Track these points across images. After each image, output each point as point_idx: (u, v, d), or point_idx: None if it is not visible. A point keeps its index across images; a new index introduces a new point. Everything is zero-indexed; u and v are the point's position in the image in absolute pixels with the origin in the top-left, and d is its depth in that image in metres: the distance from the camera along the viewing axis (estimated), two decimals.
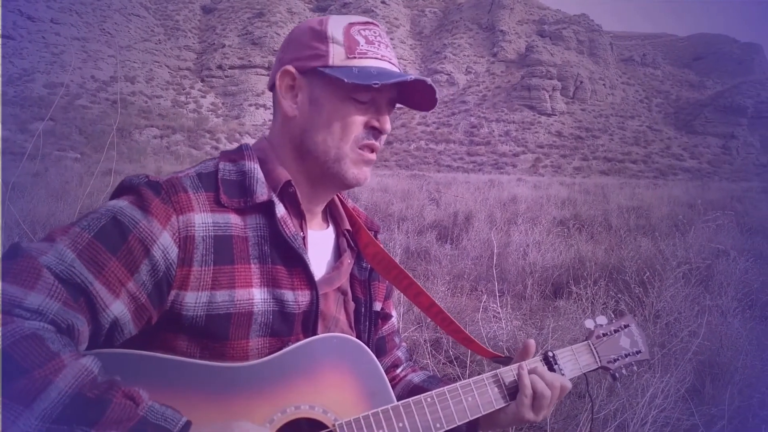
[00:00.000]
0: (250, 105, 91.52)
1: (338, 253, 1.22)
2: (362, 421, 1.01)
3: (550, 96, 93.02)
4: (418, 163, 76.30)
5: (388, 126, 1.13)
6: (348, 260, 1.21)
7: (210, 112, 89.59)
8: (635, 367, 1.45)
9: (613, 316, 1.47)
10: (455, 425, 1.10)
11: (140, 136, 63.41)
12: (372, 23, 1.14)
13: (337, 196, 1.28)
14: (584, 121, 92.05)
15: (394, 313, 1.40)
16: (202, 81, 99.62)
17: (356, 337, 1.19)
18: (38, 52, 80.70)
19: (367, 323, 1.24)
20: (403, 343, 1.44)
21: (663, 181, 48.62)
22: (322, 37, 1.09)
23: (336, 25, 1.10)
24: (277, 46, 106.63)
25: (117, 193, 1.01)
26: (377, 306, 1.29)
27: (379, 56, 1.10)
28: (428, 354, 3.50)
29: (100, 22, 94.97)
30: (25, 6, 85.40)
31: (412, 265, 7.76)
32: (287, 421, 0.98)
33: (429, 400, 1.10)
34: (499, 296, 6.26)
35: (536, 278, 6.48)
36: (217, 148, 67.61)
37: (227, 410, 0.92)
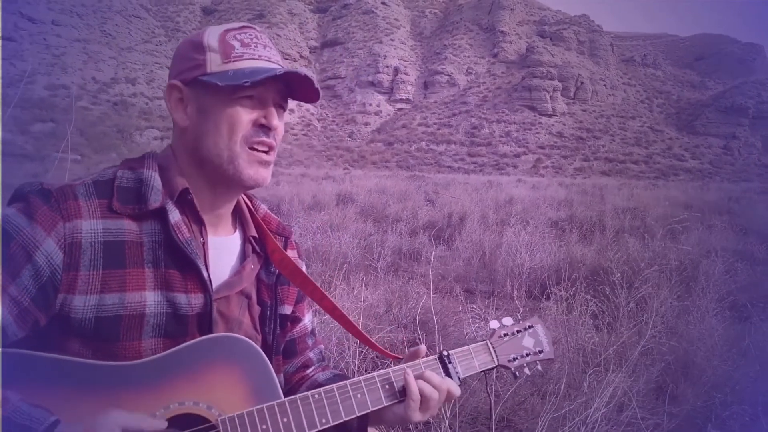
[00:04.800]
0: None
1: (244, 258, 1.26)
2: (246, 416, 1.04)
3: (550, 97, 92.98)
4: (419, 164, 76.27)
5: (275, 121, 1.16)
6: (251, 265, 1.25)
7: None
8: (539, 367, 1.49)
9: (519, 317, 1.52)
10: (341, 420, 1.14)
11: (141, 138, 63.49)
12: (249, 27, 1.19)
13: (246, 203, 1.32)
14: (585, 122, 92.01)
15: (307, 316, 1.43)
16: None
17: (262, 339, 1.25)
18: (39, 54, 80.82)
19: (272, 325, 1.27)
20: (319, 345, 1.48)
21: (664, 182, 48.60)
22: (199, 47, 1.15)
23: (212, 35, 1.15)
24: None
25: (10, 201, 1.04)
26: (286, 309, 1.33)
27: (256, 56, 1.14)
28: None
29: (100, 24, 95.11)
30: (25, 8, 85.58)
31: (404, 266, 7.77)
32: (170, 417, 1.00)
33: (316, 396, 1.13)
34: (487, 297, 6.29)
35: (524, 279, 6.50)
36: None
37: (109, 406, 0.94)
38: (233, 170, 1.14)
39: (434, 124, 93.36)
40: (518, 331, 1.48)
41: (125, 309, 1.03)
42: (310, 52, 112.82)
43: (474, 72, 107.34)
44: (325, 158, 79.74)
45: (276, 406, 1.08)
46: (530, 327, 1.50)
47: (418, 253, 8.35)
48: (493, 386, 2.81)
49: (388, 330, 3.76)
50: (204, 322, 1.12)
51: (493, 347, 1.42)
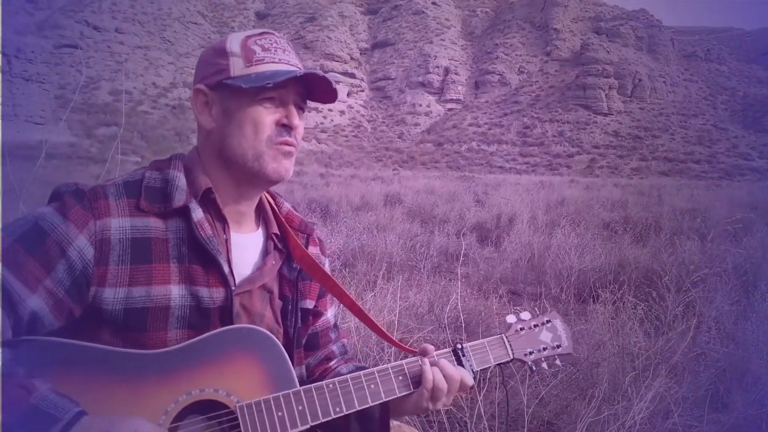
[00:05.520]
0: None
1: (266, 255, 1.31)
2: (263, 403, 1.10)
3: (606, 95, 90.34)
4: (470, 164, 75.53)
5: (296, 121, 1.22)
6: (272, 261, 1.30)
7: None
8: (558, 361, 1.49)
9: (538, 312, 1.52)
10: (355, 409, 1.20)
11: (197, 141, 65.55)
12: (268, 32, 1.26)
13: (269, 202, 1.37)
14: (643, 120, 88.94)
15: (330, 310, 1.47)
16: None
17: (283, 332, 1.30)
18: (103, 61, 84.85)
19: (294, 319, 1.32)
20: (343, 339, 1.51)
21: (728, 182, 46.49)
22: (222, 53, 1.21)
23: (234, 41, 1.22)
24: (328, 50, 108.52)
25: (48, 200, 1.13)
26: (308, 304, 1.37)
27: (276, 60, 1.21)
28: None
29: (160, 31, 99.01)
30: (91, 16, 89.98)
31: (450, 267, 7.72)
32: (191, 402, 1.06)
33: (331, 386, 1.19)
34: (534, 299, 6.17)
35: (572, 281, 6.34)
36: None
37: (134, 393, 1.01)
38: (258, 167, 1.20)
39: (485, 124, 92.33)
40: (535, 326, 1.49)
41: (152, 301, 1.10)
42: (360, 54, 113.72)
43: (526, 71, 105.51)
44: (374, 159, 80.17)
45: (292, 395, 1.13)
46: (548, 322, 1.50)
47: (464, 254, 8.27)
48: (527, 383, 2.76)
49: (429, 330, 3.76)
50: (226, 314, 1.18)
51: (509, 341, 1.44)
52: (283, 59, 1.22)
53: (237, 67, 1.19)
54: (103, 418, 0.92)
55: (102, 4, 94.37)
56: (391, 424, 1.88)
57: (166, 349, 1.08)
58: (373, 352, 3.27)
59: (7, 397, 0.86)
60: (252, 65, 1.19)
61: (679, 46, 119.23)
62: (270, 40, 1.24)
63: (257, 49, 1.21)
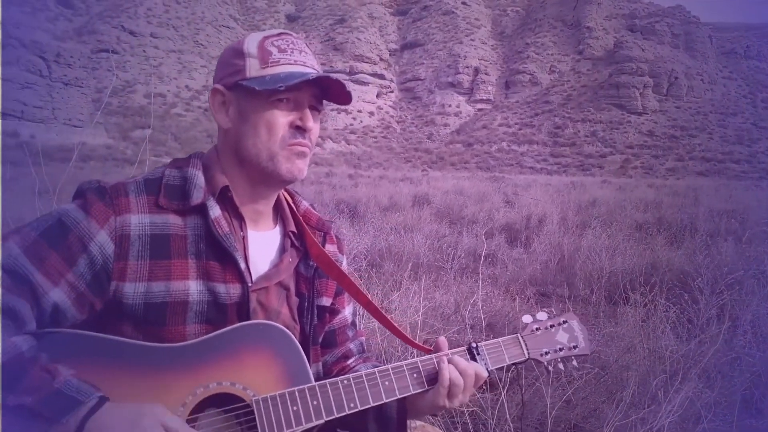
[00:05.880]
0: (332, 110, 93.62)
1: (283, 252, 1.32)
2: (278, 398, 1.12)
3: (640, 94, 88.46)
4: (500, 164, 74.81)
5: (310, 123, 1.23)
6: (288, 259, 1.31)
7: None
8: (575, 362, 1.48)
9: (554, 312, 1.51)
10: (369, 405, 1.20)
11: None
12: (286, 33, 1.26)
13: (287, 200, 1.38)
14: (679, 120, 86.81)
15: (347, 308, 1.47)
16: None
17: (300, 329, 1.31)
18: (139, 65, 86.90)
19: (310, 316, 1.34)
20: (360, 337, 1.51)
21: None
22: (240, 54, 1.22)
23: (252, 42, 1.23)
24: (358, 51, 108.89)
25: (73, 197, 1.17)
26: (325, 301, 1.38)
27: (291, 61, 1.21)
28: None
29: (193, 35, 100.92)
30: (127, 22, 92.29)
31: (478, 267, 7.64)
32: (209, 395, 1.09)
33: (345, 382, 1.20)
34: (563, 301, 6.08)
35: (603, 283, 6.22)
36: None
37: (153, 385, 1.05)
38: (272, 167, 1.21)
39: (516, 124, 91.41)
40: (552, 326, 1.47)
41: (170, 296, 1.13)
42: (389, 55, 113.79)
43: (558, 70, 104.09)
44: (403, 160, 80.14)
45: (307, 390, 1.15)
46: (564, 322, 1.49)
47: (493, 255, 8.19)
48: (553, 385, 2.72)
49: (455, 330, 3.74)
50: (242, 310, 1.20)
51: (524, 341, 1.43)
52: (299, 60, 1.22)
53: (253, 68, 1.20)
54: (126, 406, 0.95)
55: (138, 10, 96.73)
56: (414, 425, 1.87)
57: (185, 343, 1.11)
58: (398, 352, 3.27)
59: (31, 381, 0.89)
60: (267, 66, 1.19)
61: (717, 43, 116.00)
62: (287, 41, 1.24)
63: (273, 50, 1.21)
